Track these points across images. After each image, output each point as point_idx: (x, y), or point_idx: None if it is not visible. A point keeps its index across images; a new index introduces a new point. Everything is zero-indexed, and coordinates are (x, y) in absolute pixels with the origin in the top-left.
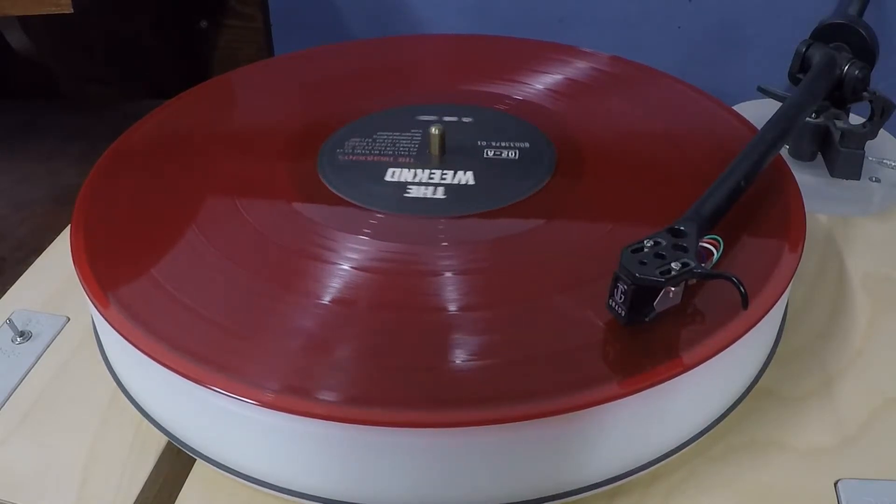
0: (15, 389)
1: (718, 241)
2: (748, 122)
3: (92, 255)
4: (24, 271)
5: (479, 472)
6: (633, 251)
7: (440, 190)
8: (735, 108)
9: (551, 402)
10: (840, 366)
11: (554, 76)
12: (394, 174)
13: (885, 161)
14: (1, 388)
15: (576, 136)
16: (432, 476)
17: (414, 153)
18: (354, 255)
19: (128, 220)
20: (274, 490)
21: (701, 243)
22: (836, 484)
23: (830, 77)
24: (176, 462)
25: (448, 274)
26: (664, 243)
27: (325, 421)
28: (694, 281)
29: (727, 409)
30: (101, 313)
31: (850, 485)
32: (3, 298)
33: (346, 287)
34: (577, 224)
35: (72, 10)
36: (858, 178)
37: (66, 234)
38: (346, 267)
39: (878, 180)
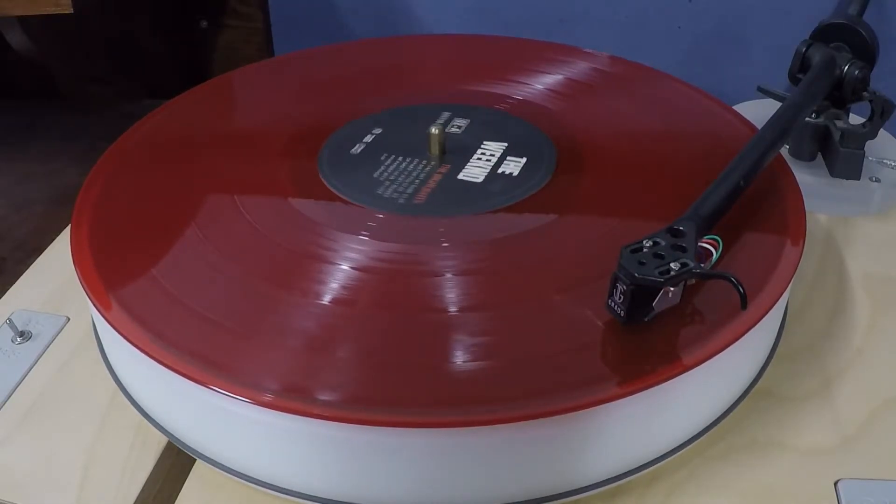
0: (15, 389)
1: (718, 242)
2: (748, 122)
3: (92, 254)
4: (24, 271)
5: (479, 472)
6: (633, 251)
7: (512, 164)
8: (735, 108)
9: (551, 402)
10: (840, 366)
11: (554, 76)
12: (466, 174)
13: (885, 161)
14: (1, 388)
15: (576, 136)
16: (432, 476)
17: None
18: (355, 255)
19: (128, 219)
20: (274, 490)
21: (700, 243)
22: (836, 484)
23: (830, 77)
24: (176, 462)
25: (448, 274)
26: (663, 243)
27: (325, 421)
28: (693, 281)
29: (727, 409)
30: (101, 313)
31: (850, 485)
32: (3, 298)
33: (346, 287)
34: (577, 224)
35: (72, 10)
36: (858, 178)
37: (66, 234)
38: (346, 267)
39: (878, 180)
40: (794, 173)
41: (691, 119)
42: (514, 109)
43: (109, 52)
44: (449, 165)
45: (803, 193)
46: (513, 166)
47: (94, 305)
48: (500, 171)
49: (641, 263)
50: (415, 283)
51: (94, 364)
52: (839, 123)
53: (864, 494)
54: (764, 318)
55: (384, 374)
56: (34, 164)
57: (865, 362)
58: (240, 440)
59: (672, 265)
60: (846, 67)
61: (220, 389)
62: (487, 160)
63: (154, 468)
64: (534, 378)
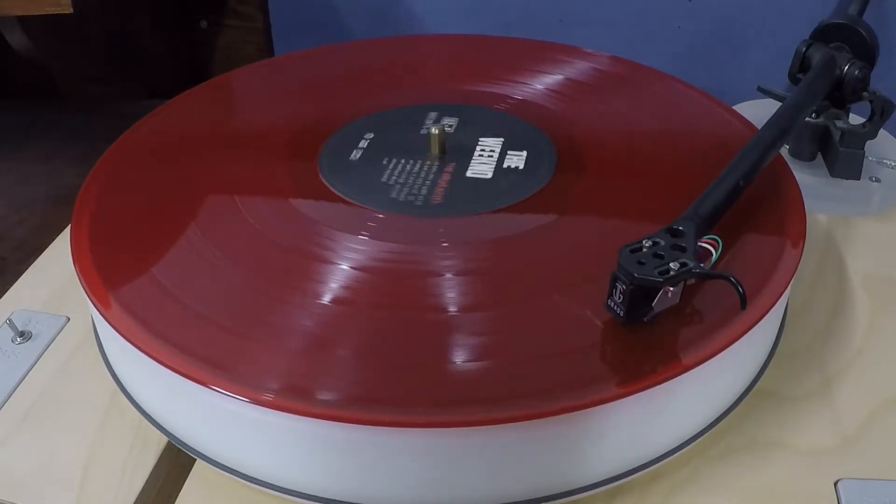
0: (15, 389)
1: (717, 241)
2: (748, 122)
3: (92, 254)
4: (24, 271)
5: (479, 472)
6: (632, 251)
7: (512, 163)
8: (735, 108)
9: (551, 402)
10: (840, 366)
11: (554, 76)
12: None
13: (885, 161)
14: (1, 388)
15: (576, 136)
16: (432, 476)
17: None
18: (355, 255)
19: (128, 219)
20: (274, 490)
21: (700, 243)
22: (836, 484)
23: (830, 77)
24: (176, 462)
25: (448, 274)
26: (663, 243)
27: (325, 421)
28: (692, 281)
29: (727, 409)
30: (101, 313)
31: (850, 485)
32: (3, 298)
33: (346, 287)
34: (577, 224)
35: (72, 10)
36: (858, 178)
37: (66, 234)
38: (346, 266)
39: (878, 180)
40: (794, 173)
41: (691, 119)
42: (514, 109)
43: (109, 52)
44: (449, 165)
45: (803, 193)
46: (513, 165)
47: (94, 305)
48: (499, 170)
49: (641, 263)
50: (415, 283)
51: (94, 364)
52: (839, 123)
53: (864, 494)
54: (764, 319)
55: (384, 374)
56: (34, 164)
57: (865, 362)
58: (240, 440)
59: (671, 265)
60: (846, 67)
61: (220, 389)
62: (487, 160)
63: (154, 468)
64: (533, 378)
